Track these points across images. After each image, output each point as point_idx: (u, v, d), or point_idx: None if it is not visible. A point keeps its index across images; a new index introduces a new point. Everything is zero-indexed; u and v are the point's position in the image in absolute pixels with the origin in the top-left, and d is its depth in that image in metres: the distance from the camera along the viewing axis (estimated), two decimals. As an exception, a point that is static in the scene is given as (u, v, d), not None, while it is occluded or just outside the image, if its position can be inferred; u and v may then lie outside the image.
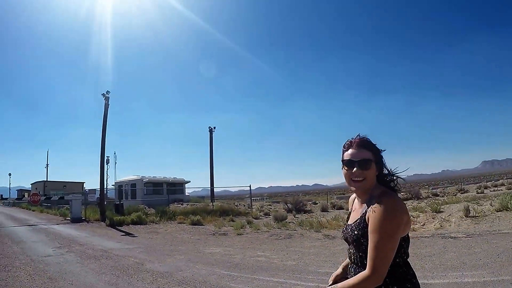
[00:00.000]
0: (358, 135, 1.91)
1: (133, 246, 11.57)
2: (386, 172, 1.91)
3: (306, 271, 7.06)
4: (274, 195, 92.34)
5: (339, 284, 1.76)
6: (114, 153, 53.17)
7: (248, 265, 7.92)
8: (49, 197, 20.64)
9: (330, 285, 1.92)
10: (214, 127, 36.07)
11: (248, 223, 16.13)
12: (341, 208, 24.43)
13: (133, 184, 29.32)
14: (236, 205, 27.36)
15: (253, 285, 6.26)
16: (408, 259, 1.81)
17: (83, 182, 57.55)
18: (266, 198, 56.43)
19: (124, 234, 15.16)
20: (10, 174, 74.86)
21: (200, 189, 37.72)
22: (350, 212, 2.02)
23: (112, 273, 7.43)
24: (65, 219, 22.52)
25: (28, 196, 45.71)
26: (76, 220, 21.06)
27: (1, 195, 57.11)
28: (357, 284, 1.67)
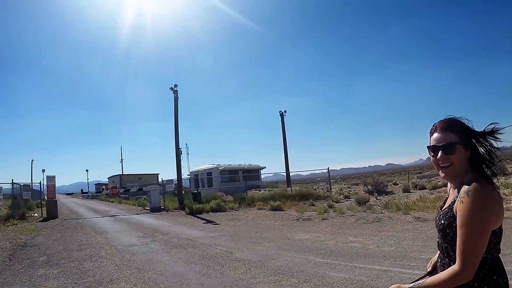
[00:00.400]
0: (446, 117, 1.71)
1: (218, 234, 10.74)
2: (481, 154, 1.66)
3: (407, 258, 6.31)
4: (346, 177, 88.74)
5: (429, 279, 1.60)
6: (186, 144, 54.14)
7: (343, 252, 7.20)
8: (128, 189, 20.61)
9: (420, 278, 1.76)
10: (285, 111, 34.68)
11: (330, 207, 15.00)
12: (423, 188, 22.22)
13: (209, 172, 29.01)
14: (314, 189, 25.75)
15: (354, 274, 5.54)
16: (499, 255, 1.59)
17: (158, 174, 59.37)
18: (340, 181, 53.99)
19: (205, 222, 14.34)
20: (87, 170, 79.72)
21: (270, 174, 36.45)
22: (446, 198, 1.80)
23: (201, 263, 6.91)
24: (144, 209, 22.40)
25: (107, 189, 48.37)
26: (155, 209, 20.80)
27: (82, 190, 61.01)
28: (447, 279, 1.51)
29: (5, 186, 18.43)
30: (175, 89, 22.37)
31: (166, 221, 14.98)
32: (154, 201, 21.43)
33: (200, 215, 16.77)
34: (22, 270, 6.80)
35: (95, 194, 50.07)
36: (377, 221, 10.77)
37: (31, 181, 45.13)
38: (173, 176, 24.81)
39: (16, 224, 14.96)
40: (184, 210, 19.03)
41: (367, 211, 12.99)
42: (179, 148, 22.71)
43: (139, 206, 26.42)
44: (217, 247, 8.44)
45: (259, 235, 9.94)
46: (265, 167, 31.66)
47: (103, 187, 64.88)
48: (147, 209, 21.74)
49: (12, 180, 18.76)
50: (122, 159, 60.61)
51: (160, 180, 27.39)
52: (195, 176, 30.17)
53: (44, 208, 19.20)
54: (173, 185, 23.64)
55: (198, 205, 18.60)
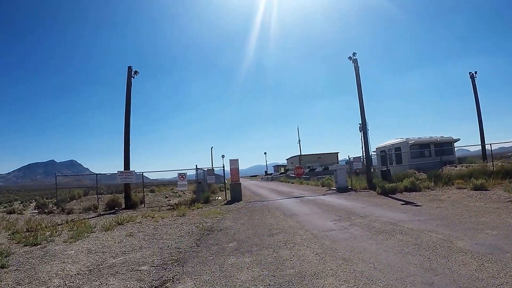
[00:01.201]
0: None
1: (424, 217, 9.11)
2: None
3: None
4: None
5: None
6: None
7: None
8: (313, 169, 20.05)
9: None
10: (475, 72, 28.65)
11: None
12: None
13: (397, 148, 26.42)
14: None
15: None
16: None
17: (337, 153, 58.76)
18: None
19: (403, 203, 12.50)
20: (265, 153, 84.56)
21: (468, 147, 30.89)
22: None
23: (418, 253, 5.67)
24: (329, 189, 21.68)
25: (285, 171, 50.02)
26: (342, 189, 19.79)
27: (265, 171, 64.90)
28: None
29: (189, 172, 20.01)
30: (354, 57, 20.53)
31: (358, 202, 13.70)
32: (341, 181, 20.41)
33: (393, 195, 15.04)
34: (211, 258, 6.43)
35: (274, 176, 52.40)
36: None
37: (212, 166, 49.86)
38: (353, 154, 23.22)
39: (201, 207, 15.91)
40: (374, 190, 17.56)
41: None
42: (365, 122, 20.90)
43: (322, 186, 25.92)
44: (430, 233, 7.04)
45: (474, 220, 8.23)
46: (459, 139, 27.03)
47: (281, 168, 68.01)
48: (333, 189, 20.94)
49: (196, 165, 20.20)
50: (299, 140, 62.25)
51: (341, 158, 26.16)
52: (382, 153, 27.90)
53: (228, 191, 20.34)
54: (360, 163, 22.10)
55: (390, 184, 16.78)
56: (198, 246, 7.52)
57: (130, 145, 19.00)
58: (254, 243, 7.39)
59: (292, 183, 37.83)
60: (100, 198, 19.82)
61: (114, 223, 11.45)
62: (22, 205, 26.33)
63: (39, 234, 9.66)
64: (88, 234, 9.73)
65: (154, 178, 20.25)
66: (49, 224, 11.99)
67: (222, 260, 6.17)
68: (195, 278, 5.23)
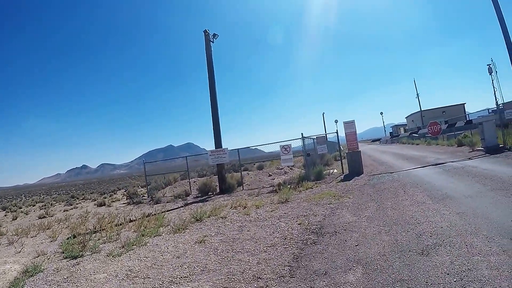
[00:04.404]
0: None
1: None
2: None
3: None
4: None
5: None
6: (491, 60, 42.64)
7: None
8: (453, 124, 15.16)
9: None
10: None
11: None
12: None
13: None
14: None
15: None
16: None
17: (464, 103, 50.49)
18: None
19: None
20: (381, 113, 76.49)
21: None
22: None
23: None
24: (473, 150, 16.49)
25: (405, 131, 43.88)
26: (492, 149, 14.56)
27: (390, 133, 58.63)
28: None
29: (295, 145, 16.02)
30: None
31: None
32: (490, 138, 15.02)
33: None
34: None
35: (394, 138, 46.75)
36: None
37: (325, 132, 45.65)
38: (482, 106, 17.36)
39: (311, 187, 12.45)
40: None
41: None
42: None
43: (458, 146, 20.62)
44: None
45: None
46: None
47: (401, 128, 61.07)
48: (479, 150, 15.72)
49: (302, 134, 15.86)
50: (418, 94, 53.61)
51: (469, 111, 20.20)
52: None
53: (345, 162, 16.48)
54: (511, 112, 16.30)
55: None
56: (292, 276, 4.28)
57: (220, 119, 16.42)
58: (397, 277, 3.75)
59: (417, 144, 32.35)
60: (196, 181, 17.92)
61: (191, 219, 9.00)
62: (122, 193, 26.26)
63: (91, 239, 7.91)
64: (149, 239, 7.48)
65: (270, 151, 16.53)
66: (123, 221, 10.25)
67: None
68: None
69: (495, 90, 39.03)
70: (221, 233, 7.18)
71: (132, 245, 6.96)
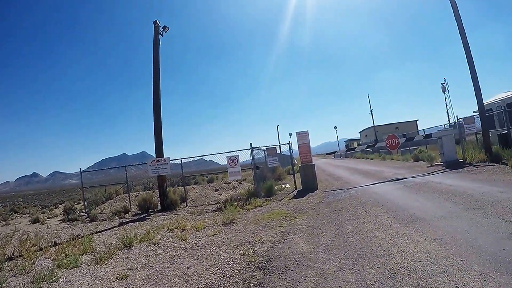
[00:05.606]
0: None
1: None
2: None
3: None
4: None
5: None
6: (444, 80, 44.36)
7: None
8: (411, 138, 14.47)
9: None
10: None
11: None
12: None
13: (509, 104, 19.53)
14: None
15: None
16: None
17: (416, 120, 51.78)
18: None
19: None
20: (335, 127, 77.39)
21: None
22: None
23: None
24: (431, 165, 15.96)
25: (358, 145, 43.94)
26: (452, 164, 14.10)
27: (346, 146, 58.89)
28: None
29: (245, 157, 14.56)
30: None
31: (499, 186, 8.39)
32: (449, 152, 14.58)
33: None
34: None
35: (348, 152, 46.92)
36: None
37: (279, 143, 44.55)
38: (432, 121, 16.91)
39: (261, 205, 11.23)
40: (497, 163, 12.53)
41: None
42: (473, 65, 14.43)
43: (415, 161, 20.19)
44: None
45: None
46: None
47: (354, 143, 61.64)
48: (438, 164, 15.20)
49: (251, 144, 14.13)
50: (371, 110, 54.50)
51: (420, 128, 19.85)
52: (487, 111, 21.04)
53: (298, 176, 15.27)
54: (474, 125, 15.92)
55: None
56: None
57: (162, 123, 14.61)
58: None
59: (371, 159, 32.07)
60: (138, 196, 16.02)
61: (118, 245, 7.51)
62: (63, 207, 23.37)
63: (1, 269, 6.40)
64: (65, 272, 5.95)
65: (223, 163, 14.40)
66: (47, 244, 8.63)
67: None
68: None
69: (448, 107, 40.40)
70: (149, 266, 5.73)
71: (42, 281, 5.43)
